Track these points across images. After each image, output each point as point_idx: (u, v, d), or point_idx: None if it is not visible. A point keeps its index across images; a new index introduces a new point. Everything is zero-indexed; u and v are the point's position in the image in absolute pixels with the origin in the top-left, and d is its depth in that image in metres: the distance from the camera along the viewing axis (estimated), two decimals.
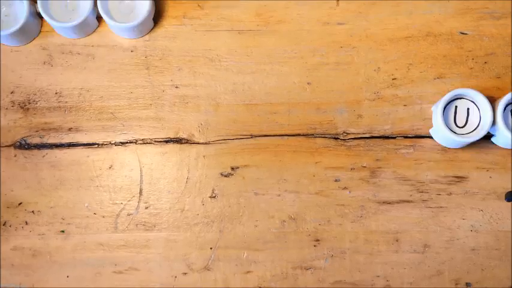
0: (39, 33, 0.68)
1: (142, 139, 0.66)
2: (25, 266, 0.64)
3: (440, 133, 0.63)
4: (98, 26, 0.68)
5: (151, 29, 0.68)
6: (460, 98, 0.64)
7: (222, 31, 0.68)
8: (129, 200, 0.65)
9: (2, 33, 0.64)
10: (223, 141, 0.66)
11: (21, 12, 0.66)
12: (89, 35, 0.68)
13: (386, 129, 0.66)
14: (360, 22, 0.68)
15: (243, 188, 0.65)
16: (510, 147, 0.64)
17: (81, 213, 0.65)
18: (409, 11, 0.68)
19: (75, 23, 0.65)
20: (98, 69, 0.67)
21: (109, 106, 0.67)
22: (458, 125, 0.63)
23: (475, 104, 0.63)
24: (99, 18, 0.68)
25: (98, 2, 0.65)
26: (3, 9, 0.66)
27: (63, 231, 0.65)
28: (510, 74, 0.67)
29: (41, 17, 0.67)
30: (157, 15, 0.68)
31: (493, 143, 0.65)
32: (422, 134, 0.66)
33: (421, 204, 0.65)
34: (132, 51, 0.67)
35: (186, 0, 0.68)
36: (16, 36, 0.66)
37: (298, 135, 0.66)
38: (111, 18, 0.65)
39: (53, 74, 0.67)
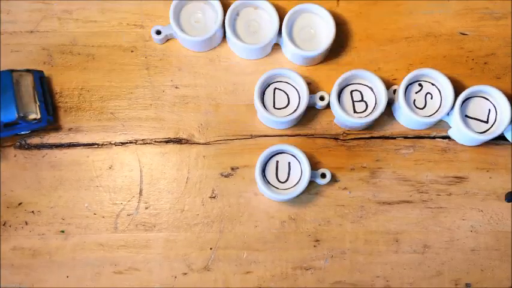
0: (220, 43, 0.67)
1: (143, 139, 0.66)
2: (25, 266, 0.64)
3: (261, 187, 0.63)
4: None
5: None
6: (282, 153, 0.63)
7: None
8: (129, 200, 0.65)
9: (192, 38, 0.64)
10: (223, 141, 0.66)
11: (211, 21, 0.66)
12: (260, 59, 0.67)
13: (386, 129, 0.66)
14: (360, 22, 0.68)
15: (243, 188, 0.65)
16: None
17: (81, 214, 0.65)
18: (410, 11, 0.68)
19: (257, 46, 0.64)
20: (98, 70, 0.67)
21: (109, 106, 0.67)
22: (280, 180, 0.63)
23: (296, 158, 0.63)
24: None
25: (283, 28, 0.64)
26: (198, 15, 0.66)
27: (63, 231, 0.65)
28: (510, 74, 0.67)
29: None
30: None
31: (496, 144, 0.65)
32: (422, 135, 0.66)
33: (421, 204, 0.65)
34: (132, 51, 0.67)
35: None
36: (201, 43, 0.66)
37: (298, 135, 0.66)
38: (296, 45, 0.64)
39: (53, 74, 0.67)
